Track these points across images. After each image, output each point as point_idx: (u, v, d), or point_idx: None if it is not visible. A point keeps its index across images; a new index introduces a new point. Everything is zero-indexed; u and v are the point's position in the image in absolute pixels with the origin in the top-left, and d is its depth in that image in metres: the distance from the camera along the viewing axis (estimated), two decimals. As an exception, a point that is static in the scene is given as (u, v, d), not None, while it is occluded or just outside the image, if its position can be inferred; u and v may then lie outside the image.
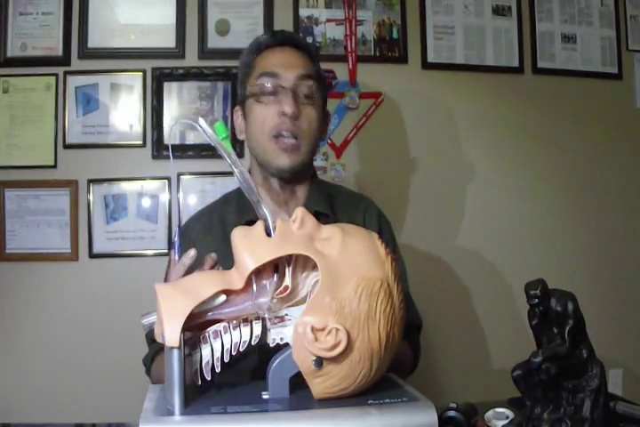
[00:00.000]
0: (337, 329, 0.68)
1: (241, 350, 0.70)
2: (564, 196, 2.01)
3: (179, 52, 1.81)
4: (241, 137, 1.16)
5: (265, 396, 0.72)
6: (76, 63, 1.79)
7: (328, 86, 1.47)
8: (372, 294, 0.70)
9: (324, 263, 0.70)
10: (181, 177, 1.80)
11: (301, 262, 0.72)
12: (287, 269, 0.72)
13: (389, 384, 0.77)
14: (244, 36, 1.81)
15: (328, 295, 0.69)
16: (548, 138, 2.00)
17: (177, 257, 0.86)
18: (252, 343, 0.70)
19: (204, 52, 1.82)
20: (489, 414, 0.82)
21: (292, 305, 0.72)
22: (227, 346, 0.70)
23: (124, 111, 1.80)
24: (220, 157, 0.73)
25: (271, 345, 0.72)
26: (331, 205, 1.15)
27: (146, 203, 1.80)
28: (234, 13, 1.84)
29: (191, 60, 1.82)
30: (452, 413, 0.79)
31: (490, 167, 1.97)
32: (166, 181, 1.79)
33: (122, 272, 1.78)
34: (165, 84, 1.81)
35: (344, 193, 1.24)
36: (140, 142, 1.80)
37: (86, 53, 1.79)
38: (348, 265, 0.71)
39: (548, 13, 2.02)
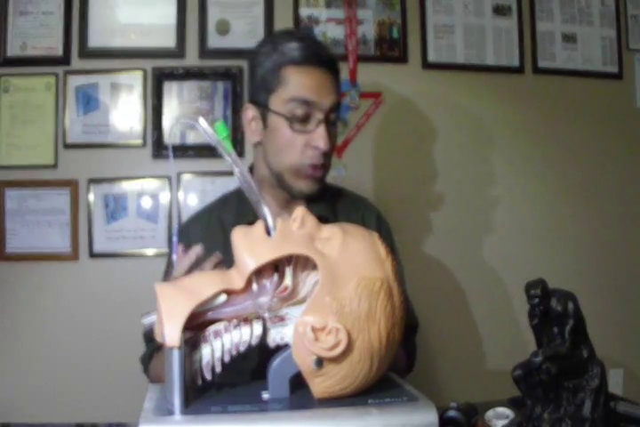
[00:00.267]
0: (337, 329, 0.68)
1: (241, 349, 0.70)
2: (564, 195, 2.01)
3: (179, 51, 1.81)
4: (254, 139, 1.11)
5: (265, 396, 0.72)
6: (77, 63, 1.79)
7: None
8: (373, 294, 0.70)
9: (325, 263, 0.70)
10: (181, 177, 1.80)
11: (302, 262, 0.72)
12: (287, 269, 0.72)
13: (389, 384, 0.77)
14: (244, 36, 1.81)
15: (328, 295, 0.69)
16: (548, 137, 2.00)
17: (174, 256, 0.86)
18: (253, 343, 0.70)
19: (205, 52, 1.82)
20: (489, 414, 0.82)
21: (293, 305, 0.72)
22: (227, 346, 0.70)
23: (125, 111, 1.80)
24: (220, 156, 0.73)
25: (271, 345, 0.72)
26: (333, 208, 1.16)
27: (146, 203, 1.80)
28: (234, 13, 1.84)
29: (191, 59, 1.82)
30: (452, 413, 0.80)
31: (489, 167, 1.96)
32: (166, 180, 1.79)
33: (122, 272, 1.77)
34: (165, 84, 1.81)
35: (344, 195, 1.24)
36: (141, 142, 1.80)
37: (86, 53, 1.79)
38: (349, 265, 0.71)
39: (548, 13, 2.01)
